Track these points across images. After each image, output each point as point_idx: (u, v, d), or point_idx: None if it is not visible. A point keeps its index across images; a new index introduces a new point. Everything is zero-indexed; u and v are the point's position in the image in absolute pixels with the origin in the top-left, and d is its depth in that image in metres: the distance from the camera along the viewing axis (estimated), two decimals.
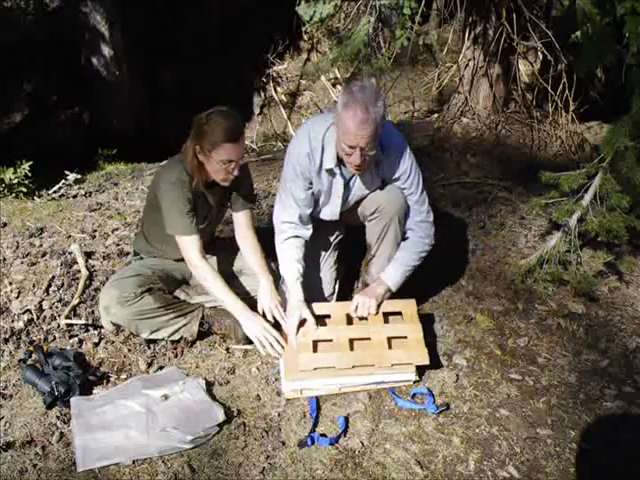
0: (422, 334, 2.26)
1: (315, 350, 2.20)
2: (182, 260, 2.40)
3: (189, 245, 2.22)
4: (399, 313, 2.38)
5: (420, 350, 2.21)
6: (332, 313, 2.34)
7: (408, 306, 2.39)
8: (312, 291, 2.47)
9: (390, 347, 2.22)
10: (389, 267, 2.39)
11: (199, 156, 2.16)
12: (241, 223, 2.43)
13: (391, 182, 2.34)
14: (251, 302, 2.31)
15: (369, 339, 2.24)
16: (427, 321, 2.57)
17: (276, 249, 2.37)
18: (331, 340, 2.23)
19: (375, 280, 2.53)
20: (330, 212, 2.42)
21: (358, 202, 2.48)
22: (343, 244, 2.67)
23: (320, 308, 2.34)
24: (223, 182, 2.23)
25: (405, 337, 2.26)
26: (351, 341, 2.23)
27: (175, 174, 2.20)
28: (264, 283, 2.33)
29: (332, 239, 2.62)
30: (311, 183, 2.31)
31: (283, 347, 2.20)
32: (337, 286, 2.60)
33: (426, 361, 2.19)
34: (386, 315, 2.36)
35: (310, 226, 2.39)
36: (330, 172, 2.26)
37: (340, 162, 2.24)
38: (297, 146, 2.27)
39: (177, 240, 2.24)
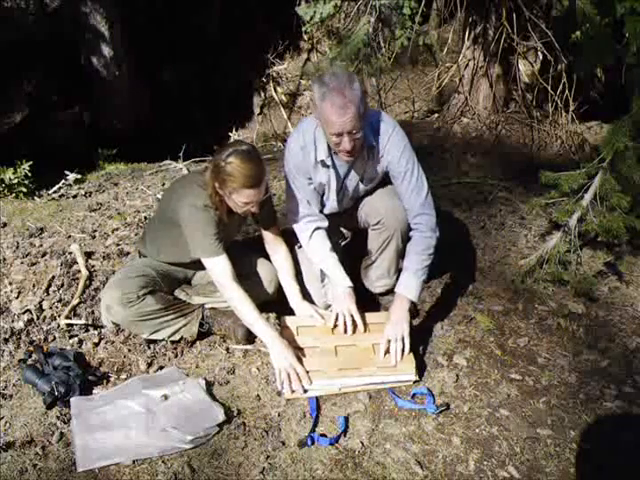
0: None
1: (301, 356, 2.21)
2: (187, 266, 2.42)
3: (218, 267, 2.18)
4: (383, 323, 2.38)
5: (406, 354, 2.23)
6: (317, 324, 2.36)
7: None
8: (314, 293, 2.48)
9: (375, 353, 2.24)
10: (402, 278, 2.31)
11: (219, 191, 2.15)
12: (271, 239, 2.47)
13: (387, 170, 2.33)
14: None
15: (354, 346, 2.27)
16: (427, 321, 2.57)
17: (304, 248, 2.41)
18: (317, 347, 2.25)
19: (374, 282, 2.58)
20: (329, 206, 2.44)
21: (360, 200, 2.48)
22: (348, 248, 2.67)
23: (305, 319, 2.37)
24: (243, 214, 2.25)
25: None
26: (336, 348, 2.25)
27: (202, 199, 2.17)
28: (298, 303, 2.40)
29: (339, 242, 2.64)
30: (310, 178, 2.33)
31: (305, 389, 2.10)
32: None
33: (412, 363, 2.21)
34: (370, 325, 2.38)
35: (324, 217, 2.42)
36: (323, 164, 2.28)
37: (332, 154, 2.26)
38: (291, 143, 2.31)
39: (204, 263, 2.21)
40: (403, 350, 2.20)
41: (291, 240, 2.56)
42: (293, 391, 2.10)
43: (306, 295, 2.47)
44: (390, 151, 2.26)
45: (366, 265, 2.64)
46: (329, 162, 2.27)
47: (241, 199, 2.12)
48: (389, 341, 2.21)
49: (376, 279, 2.61)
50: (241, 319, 2.24)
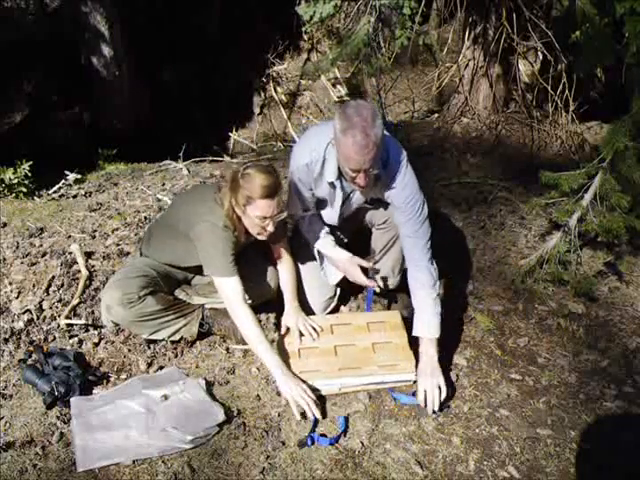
0: (406, 339, 2.29)
1: (300, 357, 2.22)
2: (187, 269, 2.42)
3: (230, 288, 2.16)
4: (382, 322, 2.39)
5: (406, 352, 2.24)
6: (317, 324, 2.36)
7: (392, 316, 2.44)
8: (313, 293, 2.48)
9: (375, 352, 2.24)
10: (421, 320, 2.23)
11: (235, 209, 2.14)
12: (278, 251, 2.45)
13: (392, 203, 2.30)
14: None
15: (354, 345, 2.27)
16: None
17: (303, 234, 2.44)
18: (317, 347, 2.25)
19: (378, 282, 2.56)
20: (328, 219, 2.44)
21: (360, 210, 2.49)
22: (346, 247, 2.67)
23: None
24: (259, 236, 2.21)
25: (389, 342, 2.29)
26: (336, 348, 2.25)
27: (222, 220, 2.15)
28: (288, 309, 2.36)
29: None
30: (311, 189, 2.33)
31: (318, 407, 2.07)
32: (338, 290, 2.60)
33: (412, 361, 2.21)
34: (370, 325, 2.39)
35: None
36: (331, 185, 2.26)
37: (341, 175, 2.23)
38: (297, 156, 2.28)
39: (216, 282, 2.18)
40: (440, 396, 2.12)
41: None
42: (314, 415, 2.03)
43: (305, 304, 2.47)
44: (397, 183, 2.21)
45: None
46: (338, 184, 2.25)
47: (256, 212, 2.09)
48: (425, 391, 2.12)
49: (379, 279, 2.60)
50: (247, 342, 2.21)
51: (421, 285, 2.25)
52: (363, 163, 1.99)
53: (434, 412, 2.10)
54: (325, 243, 2.42)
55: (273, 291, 2.47)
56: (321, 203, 2.40)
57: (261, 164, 2.14)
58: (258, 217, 2.10)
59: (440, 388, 2.12)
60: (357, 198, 2.37)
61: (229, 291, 2.17)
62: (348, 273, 2.42)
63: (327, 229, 2.44)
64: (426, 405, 2.11)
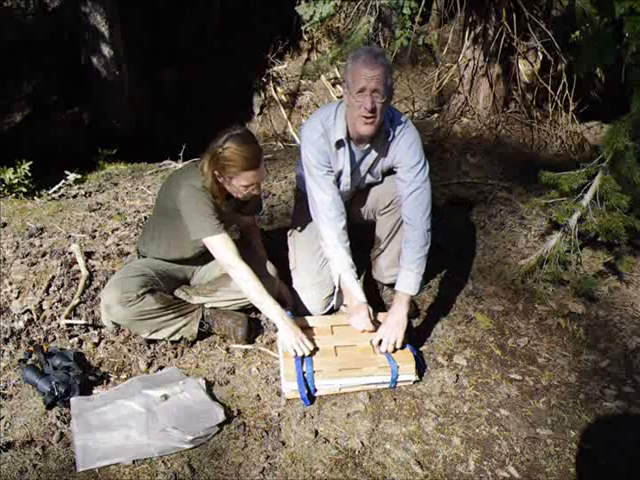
0: (407, 340, 2.28)
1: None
2: (186, 262, 2.42)
3: (222, 245, 2.17)
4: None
5: (405, 353, 2.24)
6: (317, 325, 2.36)
7: None
8: (311, 292, 2.48)
9: (374, 352, 2.24)
10: (399, 275, 2.31)
11: (219, 179, 2.16)
12: (247, 223, 2.60)
13: (394, 164, 2.34)
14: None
15: (354, 346, 2.27)
16: (427, 321, 2.58)
17: (326, 253, 2.39)
18: (317, 348, 2.25)
19: (383, 272, 2.61)
20: (342, 188, 2.42)
21: (366, 194, 2.48)
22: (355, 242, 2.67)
23: (305, 320, 2.37)
24: (242, 198, 2.26)
25: None
26: (336, 348, 2.25)
27: (200, 181, 2.18)
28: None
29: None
30: (331, 168, 2.31)
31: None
32: (337, 289, 2.59)
33: (412, 362, 2.21)
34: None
35: (344, 210, 2.39)
36: (340, 144, 2.27)
37: (349, 139, 2.27)
38: (310, 132, 2.28)
39: (207, 243, 2.19)
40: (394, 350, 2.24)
41: None
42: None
43: (302, 304, 2.48)
44: (405, 145, 2.29)
45: (375, 255, 2.63)
46: (345, 142, 2.27)
47: (242, 182, 2.14)
48: (380, 342, 2.23)
49: (386, 268, 2.60)
50: (248, 298, 2.25)
51: (411, 245, 2.30)
52: (370, 79, 2.06)
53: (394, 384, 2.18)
54: (350, 274, 2.37)
55: (276, 286, 2.46)
56: (339, 181, 2.40)
57: (238, 133, 2.13)
58: (244, 186, 2.15)
59: (396, 341, 2.22)
60: (366, 163, 2.37)
61: (220, 247, 2.17)
62: (354, 315, 2.34)
63: (351, 261, 2.39)
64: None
